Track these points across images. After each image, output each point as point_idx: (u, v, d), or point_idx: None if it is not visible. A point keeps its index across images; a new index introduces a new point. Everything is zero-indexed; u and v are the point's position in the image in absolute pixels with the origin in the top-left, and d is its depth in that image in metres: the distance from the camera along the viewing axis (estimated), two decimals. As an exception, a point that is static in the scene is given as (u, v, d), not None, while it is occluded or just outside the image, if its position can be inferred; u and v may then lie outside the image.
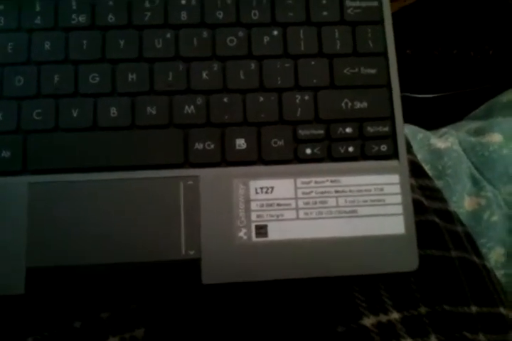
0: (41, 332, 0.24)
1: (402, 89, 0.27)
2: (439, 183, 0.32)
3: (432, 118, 0.43)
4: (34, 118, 0.25)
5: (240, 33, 0.26)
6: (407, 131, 0.34)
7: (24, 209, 0.24)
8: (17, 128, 0.25)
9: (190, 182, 0.24)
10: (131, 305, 0.25)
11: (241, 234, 0.24)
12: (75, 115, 0.25)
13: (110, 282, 0.23)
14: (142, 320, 0.24)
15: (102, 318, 0.24)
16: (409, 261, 0.24)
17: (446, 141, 0.35)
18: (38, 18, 0.26)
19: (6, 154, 0.24)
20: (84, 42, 0.26)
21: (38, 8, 0.26)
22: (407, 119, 0.27)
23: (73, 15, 0.26)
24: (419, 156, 0.32)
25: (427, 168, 0.32)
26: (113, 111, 0.25)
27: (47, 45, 0.26)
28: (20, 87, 0.25)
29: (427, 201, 0.28)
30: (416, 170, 0.30)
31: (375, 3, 0.27)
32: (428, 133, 0.36)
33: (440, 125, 0.41)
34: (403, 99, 0.27)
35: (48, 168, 0.24)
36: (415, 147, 0.34)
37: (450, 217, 0.29)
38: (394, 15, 0.27)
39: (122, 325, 0.24)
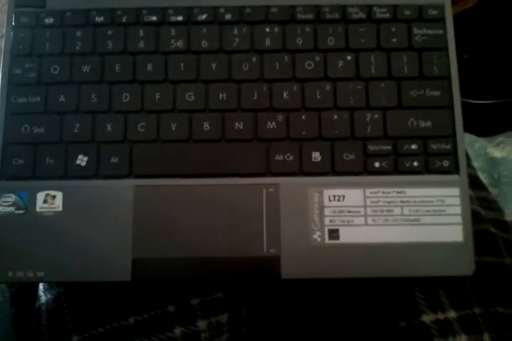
0: (141, 314, 0.28)
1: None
2: (494, 191, 0.33)
3: (488, 125, 0.43)
4: (139, 130, 0.29)
5: (317, 58, 0.29)
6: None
7: (130, 208, 0.28)
8: (124, 138, 0.29)
9: (271, 190, 0.28)
10: (217, 294, 0.28)
11: (315, 236, 0.27)
12: (173, 128, 0.29)
13: (201, 272, 0.27)
14: (227, 307, 0.28)
15: (192, 304, 0.28)
16: (466, 266, 0.27)
17: (502, 150, 0.37)
18: (141, 42, 0.30)
19: (114, 160, 0.29)
20: (181, 64, 0.30)
21: (141, 34, 0.30)
22: (464, 125, 0.28)
23: (172, 41, 0.30)
24: (476, 164, 0.34)
25: (483, 176, 0.34)
26: (206, 126, 0.29)
27: (149, 67, 0.30)
28: (127, 102, 0.29)
29: (484, 211, 0.31)
30: (475, 182, 0.32)
31: (441, 31, 0.29)
32: (485, 142, 0.38)
33: (496, 131, 0.42)
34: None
35: (150, 174, 0.28)
36: (472, 155, 0.35)
37: (505, 226, 0.31)
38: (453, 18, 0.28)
39: (209, 311, 0.28)
